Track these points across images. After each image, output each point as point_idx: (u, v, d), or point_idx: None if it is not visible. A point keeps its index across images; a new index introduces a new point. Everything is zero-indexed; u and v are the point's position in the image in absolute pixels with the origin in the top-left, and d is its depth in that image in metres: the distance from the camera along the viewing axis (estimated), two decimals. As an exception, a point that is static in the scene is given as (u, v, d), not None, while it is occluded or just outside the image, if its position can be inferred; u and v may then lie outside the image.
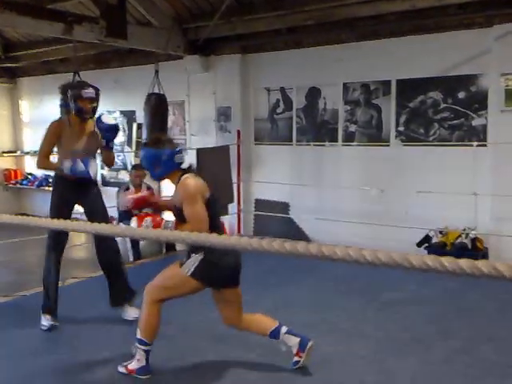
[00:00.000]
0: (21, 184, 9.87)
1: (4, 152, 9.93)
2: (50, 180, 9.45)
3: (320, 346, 3.42)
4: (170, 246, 6.15)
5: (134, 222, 3.35)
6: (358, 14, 6.00)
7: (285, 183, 6.82)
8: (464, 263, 0.91)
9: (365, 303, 4.37)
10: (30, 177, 9.89)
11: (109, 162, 4.23)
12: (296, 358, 3.17)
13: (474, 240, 5.41)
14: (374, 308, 4.28)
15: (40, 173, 9.73)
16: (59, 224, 1.53)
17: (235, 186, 6.97)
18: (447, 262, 0.93)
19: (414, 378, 3.15)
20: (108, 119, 3.97)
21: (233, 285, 3.16)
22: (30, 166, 10.08)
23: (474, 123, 5.72)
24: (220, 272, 3.08)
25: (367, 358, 3.37)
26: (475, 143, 5.52)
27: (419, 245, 5.70)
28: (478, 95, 5.67)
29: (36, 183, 9.63)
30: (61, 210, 3.95)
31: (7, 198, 9.89)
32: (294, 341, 3.14)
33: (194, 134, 7.58)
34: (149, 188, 6.36)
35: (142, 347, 3.14)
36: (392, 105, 6.21)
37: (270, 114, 7.13)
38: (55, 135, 3.93)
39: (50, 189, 9.33)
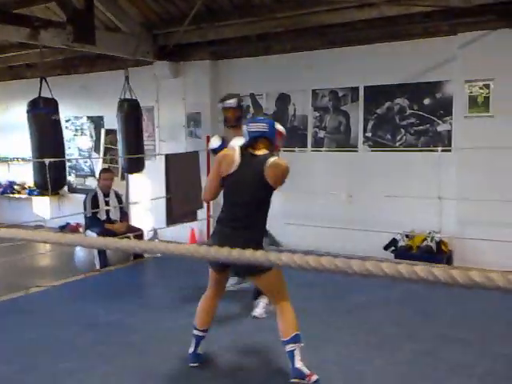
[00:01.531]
0: (-15, 191, 9.61)
1: (-32, 159, 9.67)
2: (15, 187, 9.26)
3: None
4: (138, 253, 6.07)
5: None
6: (328, 22, 6.06)
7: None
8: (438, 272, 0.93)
9: (332, 308, 4.39)
10: (-6, 184, 9.64)
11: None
12: None
13: (439, 243, 5.51)
14: (340, 312, 4.29)
15: (4, 180, 9.52)
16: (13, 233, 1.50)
17: (205, 192, 6.93)
18: (421, 270, 0.94)
19: (382, 381, 3.17)
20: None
21: (216, 268, 3.07)
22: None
23: (439, 129, 5.84)
24: None
25: (335, 363, 3.38)
26: (440, 148, 5.63)
27: (386, 248, 5.77)
28: (443, 101, 5.79)
29: (0, 190, 9.39)
30: None
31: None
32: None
33: (164, 139, 7.53)
34: (117, 195, 6.29)
35: (193, 331, 3.27)
36: (360, 111, 6.29)
37: (241, 119, 7.13)
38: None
39: (16, 196, 9.12)
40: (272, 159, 2.96)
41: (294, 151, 6.74)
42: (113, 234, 5.60)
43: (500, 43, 5.36)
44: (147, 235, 6.51)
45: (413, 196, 5.64)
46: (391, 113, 6.09)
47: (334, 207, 6.36)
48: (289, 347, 2.99)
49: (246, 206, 3.01)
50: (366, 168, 6.22)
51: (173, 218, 6.12)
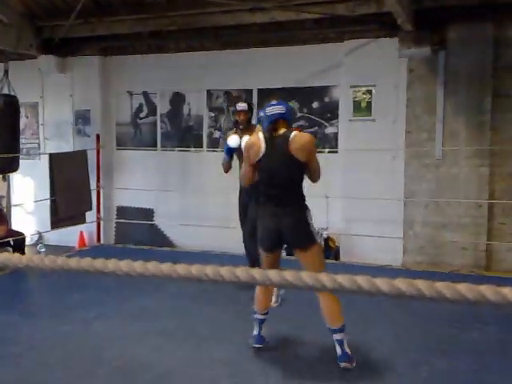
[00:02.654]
0: None
1: None
2: None
3: (177, 351, 3.47)
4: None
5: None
6: (221, 23, 6.09)
7: (149, 189, 6.68)
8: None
9: (223, 308, 4.40)
10: None
11: None
12: None
13: (327, 240, 5.78)
14: (231, 313, 4.31)
15: None
16: None
17: (94, 193, 6.66)
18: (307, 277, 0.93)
19: (267, 376, 3.24)
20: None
21: (266, 248, 3.26)
22: None
23: (326, 131, 6.10)
24: (259, 235, 3.32)
25: (223, 361, 3.39)
26: (327, 150, 5.88)
27: None
28: (331, 105, 6.06)
29: None
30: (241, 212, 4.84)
31: None
32: None
33: (49, 138, 7.13)
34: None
35: (255, 316, 3.49)
36: (253, 113, 6.36)
37: (133, 118, 6.95)
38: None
39: None
40: (293, 133, 3.13)
41: (189, 151, 6.71)
42: (-10, 238, 5.21)
43: (381, 51, 5.72)
44: (31, 239, 6.12)
45: (302, 195, 5.82)
46: (283, 115, 6.24)
47: (229, 207, 6.38)
48: (337, 336, 3.17)
49: (282, 185, 3.17)
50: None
51: (58, 220, 5.81)
